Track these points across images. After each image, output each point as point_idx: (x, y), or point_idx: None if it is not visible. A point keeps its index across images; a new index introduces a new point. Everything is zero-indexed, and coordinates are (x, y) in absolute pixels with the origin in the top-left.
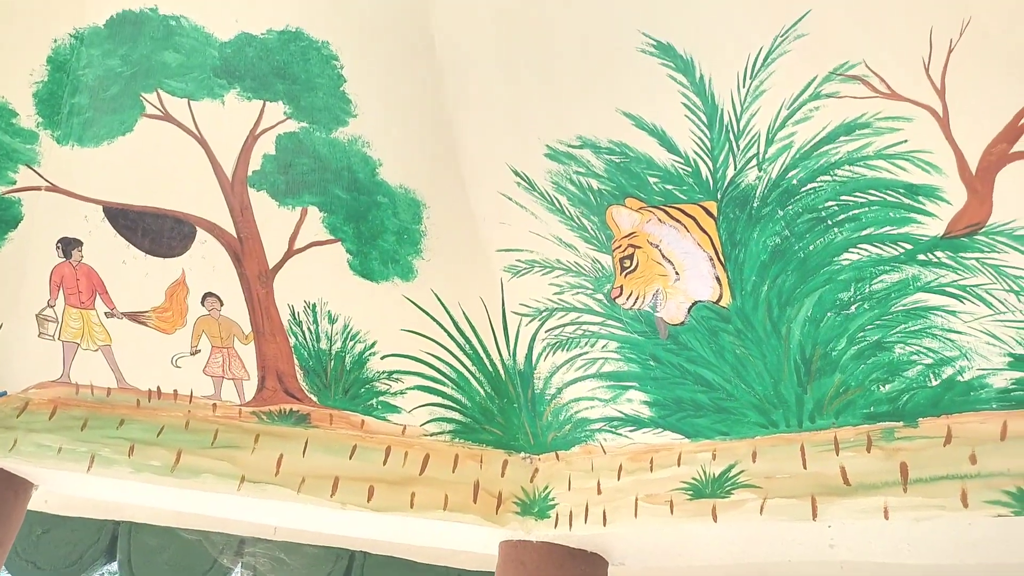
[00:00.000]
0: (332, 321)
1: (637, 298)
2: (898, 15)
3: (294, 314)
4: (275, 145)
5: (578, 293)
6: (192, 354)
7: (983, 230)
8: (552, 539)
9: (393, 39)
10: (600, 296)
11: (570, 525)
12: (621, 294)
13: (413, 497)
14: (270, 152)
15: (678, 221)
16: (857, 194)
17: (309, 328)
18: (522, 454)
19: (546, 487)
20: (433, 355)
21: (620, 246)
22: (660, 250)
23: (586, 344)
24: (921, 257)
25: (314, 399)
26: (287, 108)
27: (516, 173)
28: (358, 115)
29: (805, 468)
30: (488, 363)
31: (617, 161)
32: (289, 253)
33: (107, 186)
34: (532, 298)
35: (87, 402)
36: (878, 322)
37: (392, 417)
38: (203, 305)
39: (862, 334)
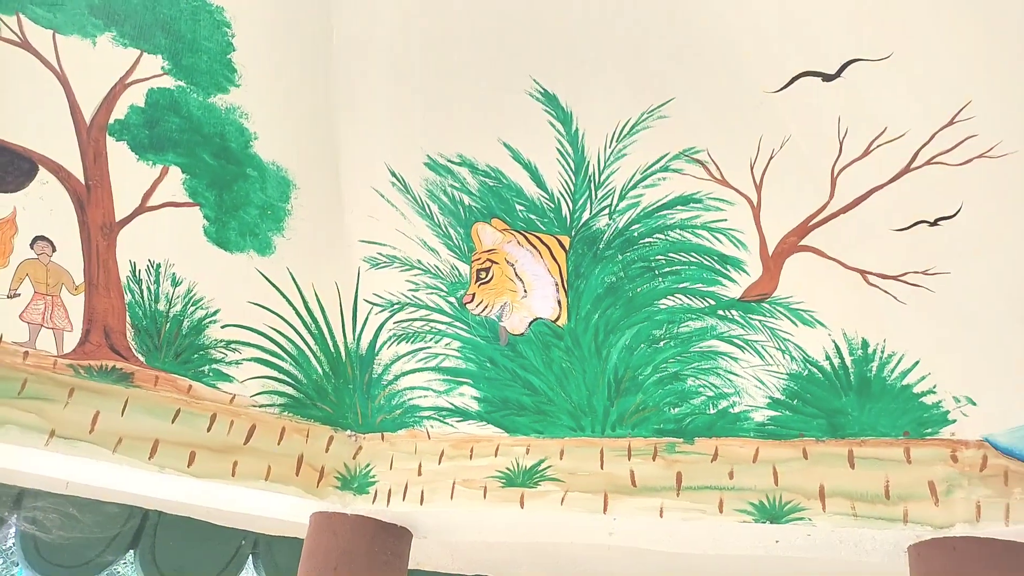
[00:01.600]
0: (175, 284)
1: (486, 307)
2: (738, 120)
3: (135, 271)
4: (145, 98)
5: (432, 293)
6: (9, 297)
7: (768, 300)
8: (365, 513)
9: (292, 21)
10: (452, 299)
11: (387, 502)
12: (472, 301)
13: (235, 466)
14: (139, 104)
15: (535, 247)
16: (682, 254)
17: (149, 287)
18: (348, 432)
19: (368, 465)
20: (276, 330)
21: (480, 259)
22: (515, 269)
23: (431, 340)
24: (720, 312)
25: (141, 359)
26: (166, 64)
27: (393, 174)
28: (241, 85)
29: (602, 468)
30: (331, 344)
31: (491, 184)
32: (141, 209)
33: None
34: (387, 290)
35: None
36: (678, 358)
37: (223, 385)
38: (32, 248)
39: (664, 365)
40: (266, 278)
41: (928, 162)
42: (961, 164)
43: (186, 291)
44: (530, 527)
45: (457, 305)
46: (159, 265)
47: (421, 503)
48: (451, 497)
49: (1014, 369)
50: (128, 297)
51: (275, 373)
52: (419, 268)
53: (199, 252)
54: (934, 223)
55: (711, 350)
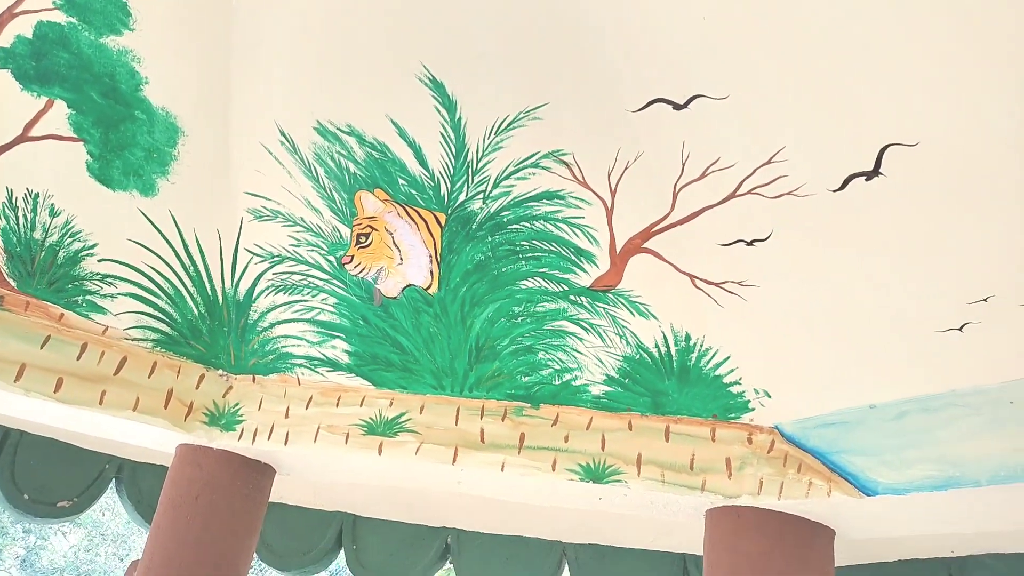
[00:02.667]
0: (53, 215)
1: (364, 269)
2: (601, 131)
3: (11, 199)
4: (33, 31)
5: (313, 251)
6: None
7: (613, 291)
8: (230, 448)
9: None
10: (332, 258)
11: (253, 440)
12: (351, 262)
13: (103, 395)
14: (26, 35)
15: (413, 220)
16: (544, 242)
17: (25, 215)
18: (220, 372)
19: (237, 404)
20: (155, 269)
21: (361, 224)
22: (393, 237)
23: (308, 293)
24: (572, 297)
25: (12, 284)
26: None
27: (282, 133)
28: (135, 30)
29: (456, 425)
30: (208, 288)
31: (376, 157)
32: (21, 139)
33: None
34: (268, 242)
35: None
36: (533, 333)
37: (96, 316)
38: None
39: (520, 338)
40: (147, 218)
41: (749, 192)
42: (774, 197)
43: (64, 222)
44: (387, 472)
45: (336, 264)
46: (37, 195)
47: (286, 443)
48: (315, 440)
49: (803, 372)
50: (2, 223)
51: (150, 310)
52: (302, 226)
53: (80, 186)
54: (750, 243)
55: (561, 329)
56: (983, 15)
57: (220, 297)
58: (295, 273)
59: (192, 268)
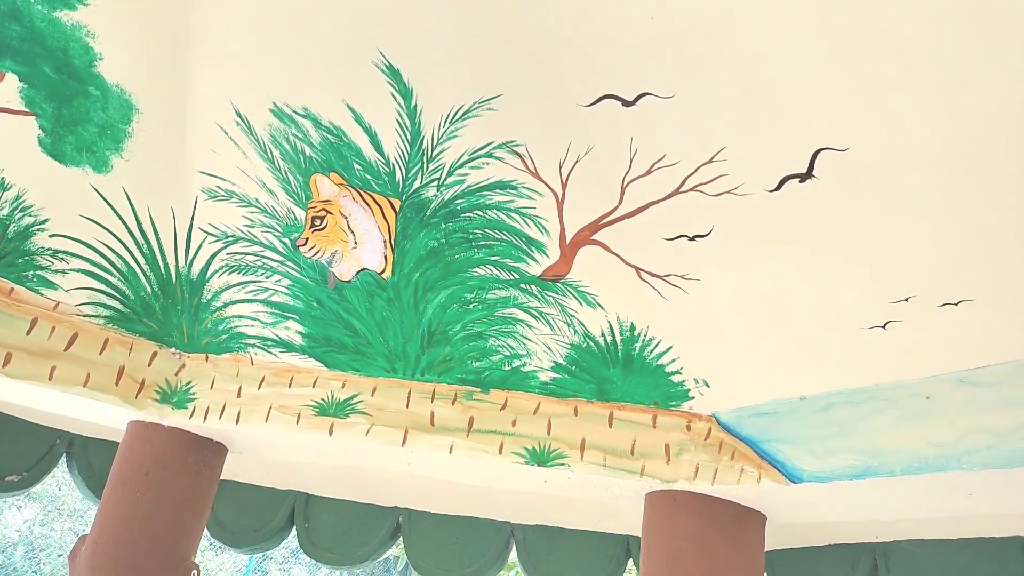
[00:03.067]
0: (4, 188)
1: (318, 252)
2: (554, 124)
3: None
4: None
5: (267, 232)
6: None
7: (562, 280)
8: (182, 426)
9: None
10: (287, 240)
11: (204, 418)
12: (305, 244)
13: (53, 370)
14: None
15: (368, 205)
16: (496, 231)
17: None
18: (173, 350)
19: (189, 382)
20: (107, 246)
21: (316, 207)
22: (348, 221)
23: (262, 274)
24: (522, 286)
25: None
26: None
27: (238, 114)
28: (90, 5)
29: (407, 408)
30: (162, 266)
31: (332, 141)
32: None
33: None
34: (223, 222)
35: None
36: (484, 320)
37: (47, 292)
38: None
39: (472, 324)
40: (100, 195)
41: (692, 189)
42: (715, 195)
43: (15, 196)
44: (338, 452)
45: (291, 246)
46: None
47: (237, 422)
48: (266, 420)
49: (739, 364)
50: None
51: (102, 286)
52: (257, 207)
53: (32, 161)
54: (692, 239)
55: (511, 316)
56: (905, 33)
57: (174, 275)
58: (249, 254)
59: (145, 246)
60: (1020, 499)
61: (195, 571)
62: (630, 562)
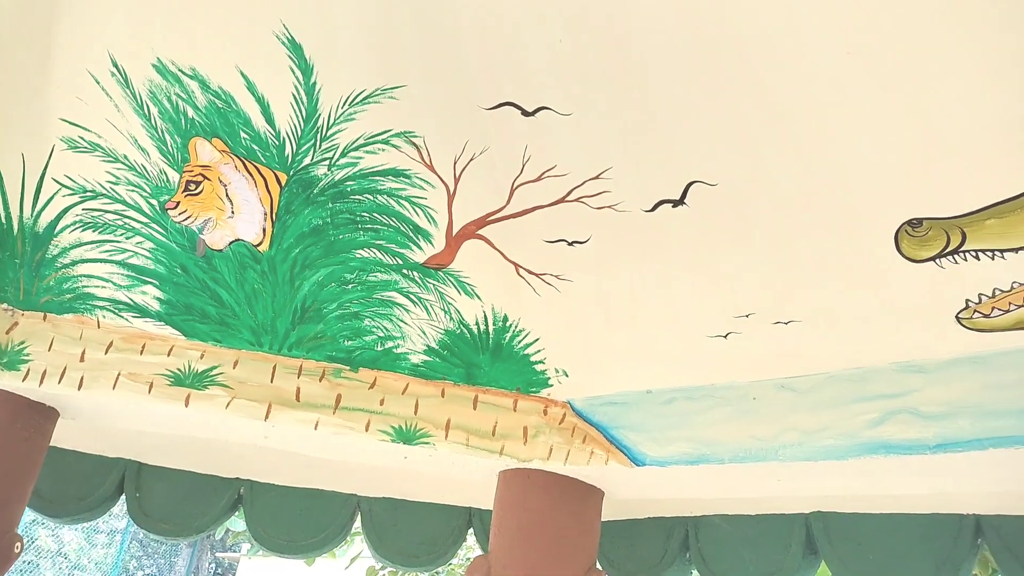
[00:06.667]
0: None
1: (190, 217)
2: (453, 121)
3: None
4: None
5: (133, 191)
6: None
7: (444, 270)
8: (12, 389)
9: None
10: (155, 202)
11: (41, 382)
12: (176, 208)
13: None
14: None
15: (251, 175)
16: (384, 216)
17: None
18: (4, 305)
19: (23, 343)
20: None
21: (193, 171)
22: (227, 190)
23: (122, 235)
24: (404, 271)
25: None
26: None
27: (115, 64)
28: None
29: (272, 382)
30: (3, 214)
31: (219, 106)
32: None
33: None
34: (82, 176)
35: None
36: (362, 300)
37: None
38: None
39: (348, 304)
40: None
41: (577, 200)
42: (597, 208)
43: None
44: (191, 424)
45: (159, 208)
46: None
47: (79, 388)
48: (113, 387)
49: (597, 357)
50: None
51: None
52: (124, 164)
53: None
54: (571, 244)
55: (390, 300)
56: (772, 85)
57: (15, 226)
58: (109, 212)
59: None
60: (813, 484)
61: (18, 543)
62: (471, 533)
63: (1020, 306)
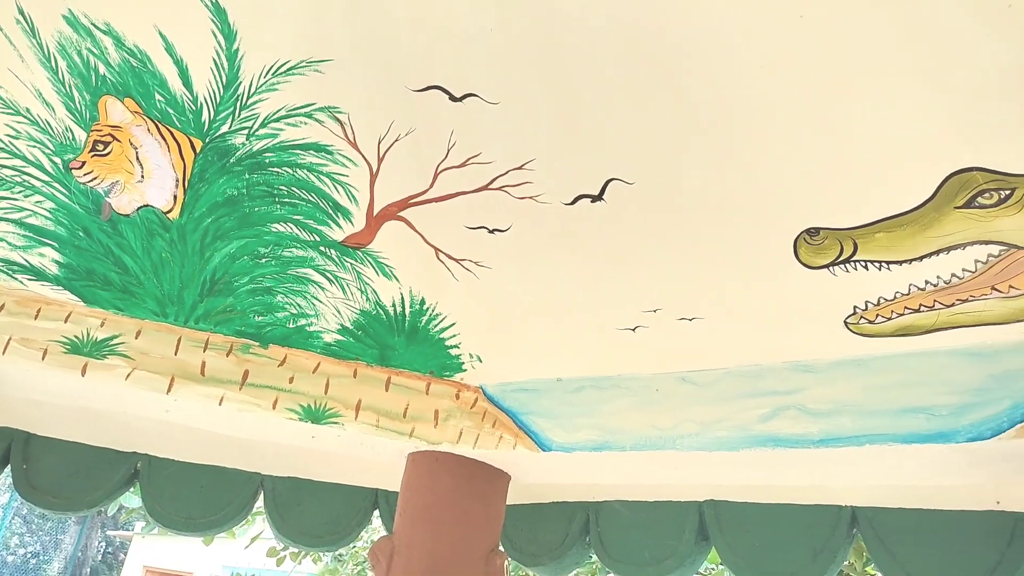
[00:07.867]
0: None
1: (96, 179)
2: (381, 100)
3: None
4: None
5: (35, 147)
6: None
7: (363, 249)
8: None
9: None
10: (58, 160)
11: None
12: (81, 168)
13: None
14: None
15: (164, 140)
16: (303, 191)
17: None
18: None
19: None
20: None
21: (101, 130)
22: (137, 153)
23: (19, 192)
24: (322, 248)
25: None
26: None
27: (21, 12)
28: None
29: (176, 355)
30: None
31: (134, 65)
32: None
33: None
34: None
35: None
36: (275, 276)
37: None
38: None
39: (261, 279)
40: None
41: (500, 188)
42: (519, 198)
43: None
44: (87, 394)
45: (62, 167)
46: None
47: None
48: (3, 352)
49: (511, 345)
50: None
51: None
52: (26, 118)
53: None
54: (492, 231)
55: (305, 277)
56: (688, 86)
57: None
58: (7, 167)
59: None
60: (707, 473)
61: None
62: (376, 514)
63: (901, 314)
